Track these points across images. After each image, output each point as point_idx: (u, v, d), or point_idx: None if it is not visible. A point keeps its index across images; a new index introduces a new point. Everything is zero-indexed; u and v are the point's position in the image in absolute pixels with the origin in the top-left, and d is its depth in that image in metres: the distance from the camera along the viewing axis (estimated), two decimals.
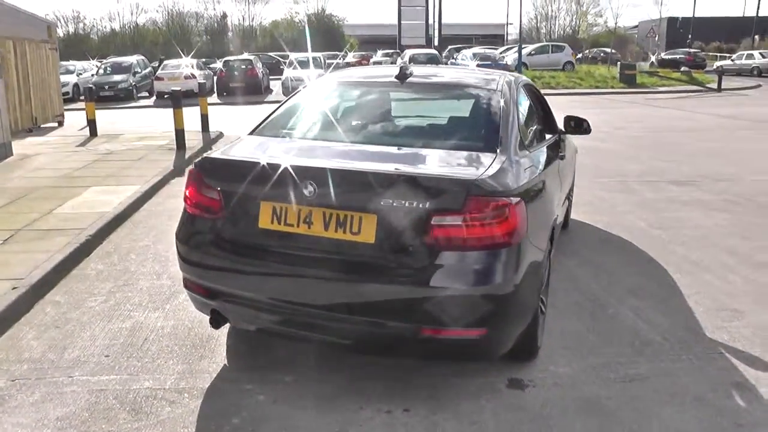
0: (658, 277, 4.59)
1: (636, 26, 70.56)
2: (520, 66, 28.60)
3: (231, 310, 2.96)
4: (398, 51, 44.30)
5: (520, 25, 35.94)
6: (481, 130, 3.21)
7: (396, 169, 2.70)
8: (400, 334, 2.67)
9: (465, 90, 3.64)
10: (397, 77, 3.60)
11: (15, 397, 2.98)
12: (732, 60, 36.68)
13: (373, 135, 3.42)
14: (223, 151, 3.16)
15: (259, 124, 3.51)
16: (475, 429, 2.75)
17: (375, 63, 41.26)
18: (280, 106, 3.65)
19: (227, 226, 2.92)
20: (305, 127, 3.51)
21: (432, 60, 25.51)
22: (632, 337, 3.63)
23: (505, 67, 24.98)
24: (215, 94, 21.32)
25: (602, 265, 4.78)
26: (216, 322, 3.04)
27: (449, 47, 41.50)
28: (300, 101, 3.71)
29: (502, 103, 3.36)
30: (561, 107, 16.73)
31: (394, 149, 3.07)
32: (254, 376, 3.13)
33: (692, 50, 40.60)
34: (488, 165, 2.82)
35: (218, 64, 24.88)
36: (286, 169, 2.76)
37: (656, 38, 39.58)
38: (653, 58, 37.95)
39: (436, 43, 48.24)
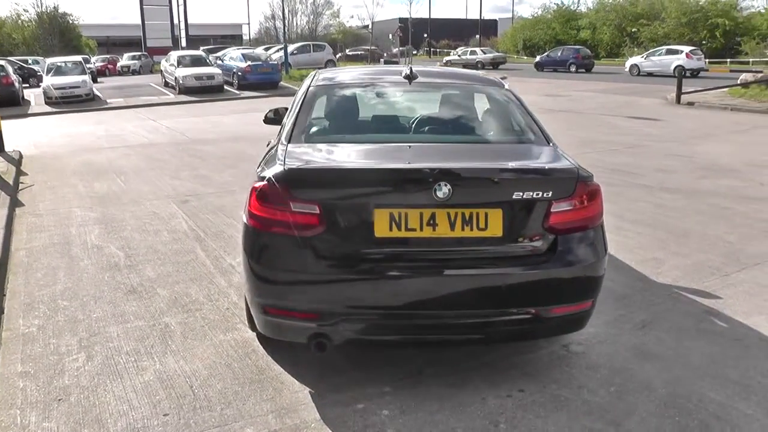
0: None
1: (366, 26, 76.75)
2: (287, 65, 29.00)
3: (344, 328, 2.74)
4: (146, 54, 41.20)
5: (285, 26, 36.22)
6: (524, 123, 3.43)
7: (512, 163, 2.82)
8: (531, 318, 2.81)
9: (480, 87, 3.82)
10: (405, 77, 3.65)
11: None
12: (459, 55, 42.44)
13: (438, 133, 3.44)
14: (300, 162, 2.87)
15: (293, 131, 3.23)
16: (585, 392, 3.03)
17: (123, 67, 37.89)
18: (301, 111, 3.38)
19: (333, 241, 2.70)
20: (357, 130, 3.35)
21: (198, 62, 24.41)
22: (611, 294, 4.23)
23: (275, 66, 25.08)
24: None
25: None
26: (321, 345, 2.78)
27: (201, 48, 40.01)
28: (320, 104, 3.51)
29: (518, 97, 3.65)
30: None
31: (476, 145, 3.15)
32: (355, 395, 2.95)
33: (369, 47, 46.66)
34: (562, 155, 3.10)
35: None
36: (409, 172, 2.68)
37: (400, 37, 43.43)
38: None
39: (183, 43, 45.98)
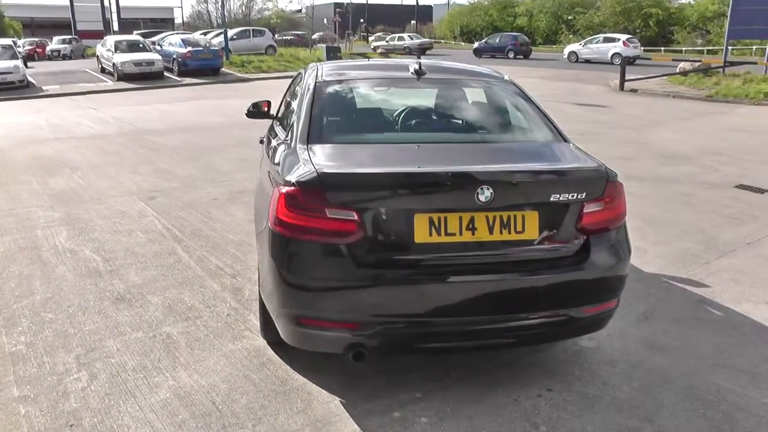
0: None
1: (300, 10, 76.15)
2: (227, 50, 28.16)
3: (383, 337, 2.66)
4: (77, 37, 39.09)
5: (222, 8, 35.01)
6: (540, 120, 3.40)
7: (551, 165, 2.82)
8: (565, 319, 2.82)
9: (487, 82, 3.76)
10: (414, 73, 3.56)
11: None
12: (386, 41, 42.91)
13: (458, 131, 3.38)
14: (331, 165, 2.74)
15: (309, 130, 3.06)
16: (610, 388, 3.08)
17: (52, 51, 35.67)
18: (313, 109, 3.21)
19: (371, 248, 2.60)
20: (376, 129, 3.26)
21: (136, 47, 23.33)
22: None
23: (216, 52, 24.31)
24: None
25: None
26: (359, 355, 2.69)
27: (134, 32, 38.29)
28: (331, 102, 3.36)
29: (525, 91, 3.65)
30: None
31: (505, 146, 3.14)
32: (388, 403, 2.88)
33: (300, 32, 47.29)
34: (584, 154, 3.10)
35: None
36: (452, 176, 2.62)
37: (339, 22, 42.92)
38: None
39: (116, 27, 43.90)
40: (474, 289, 2.67)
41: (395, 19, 70.49)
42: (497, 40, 37.75)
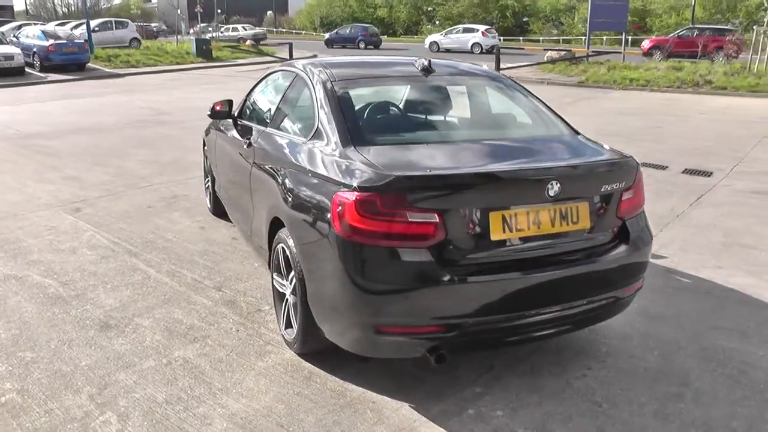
0: None
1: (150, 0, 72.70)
2: (91, 43, 25.96)
3: (466, 336, 2.66)
4: None
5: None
6: (551, 115, 3.58)
7: (601, 158, 3.01)
8: (612, 300, 3.00)
9: (492, 80, 3.83)
10: (422, 71, 3.55)
11: None
12: (221, 32, 43.44)
13: (491, 128, 3.43)
14: (402, 168, 2.64)
15: (349, 132, 2.94)
16: (637, 359, 3.31)
17: None
18: (343, 111, 3.07)
19: (451, 249, 2.59)
20: (412, 129, 3.25)
21: None
22: None
23: (82, 46, 22.36)
24: None
25: None
26: (441, 357, 2.65)
27: None
28: (353, 103, 3.23)
29: (523, 87, 3.80)
30: (186, 90, 16.23)
31: (545, 140, 3.28)
32: (456, 401, 2.88)
33: (143, 23, 47.40)
34: (602, 144, 3.31)
35: None
36: (527, 173, 2.73)
37: (201, 12, 41.21)
38: None
39: None
40: (547, 279, 2.75)
41: (253, 9, 68.90)
42: (348, 31, 38.82)
